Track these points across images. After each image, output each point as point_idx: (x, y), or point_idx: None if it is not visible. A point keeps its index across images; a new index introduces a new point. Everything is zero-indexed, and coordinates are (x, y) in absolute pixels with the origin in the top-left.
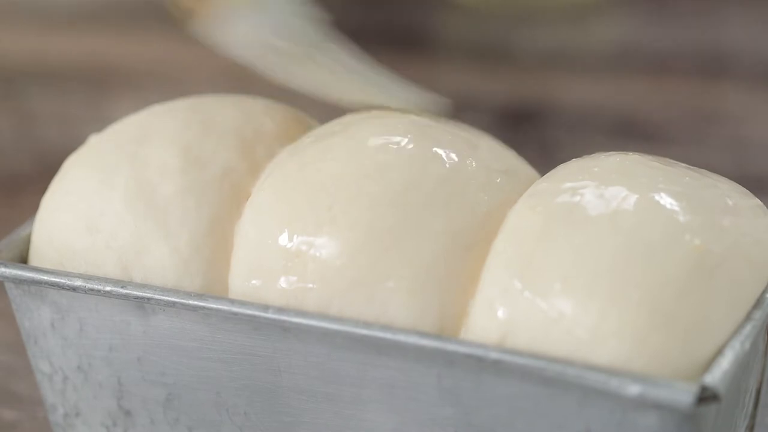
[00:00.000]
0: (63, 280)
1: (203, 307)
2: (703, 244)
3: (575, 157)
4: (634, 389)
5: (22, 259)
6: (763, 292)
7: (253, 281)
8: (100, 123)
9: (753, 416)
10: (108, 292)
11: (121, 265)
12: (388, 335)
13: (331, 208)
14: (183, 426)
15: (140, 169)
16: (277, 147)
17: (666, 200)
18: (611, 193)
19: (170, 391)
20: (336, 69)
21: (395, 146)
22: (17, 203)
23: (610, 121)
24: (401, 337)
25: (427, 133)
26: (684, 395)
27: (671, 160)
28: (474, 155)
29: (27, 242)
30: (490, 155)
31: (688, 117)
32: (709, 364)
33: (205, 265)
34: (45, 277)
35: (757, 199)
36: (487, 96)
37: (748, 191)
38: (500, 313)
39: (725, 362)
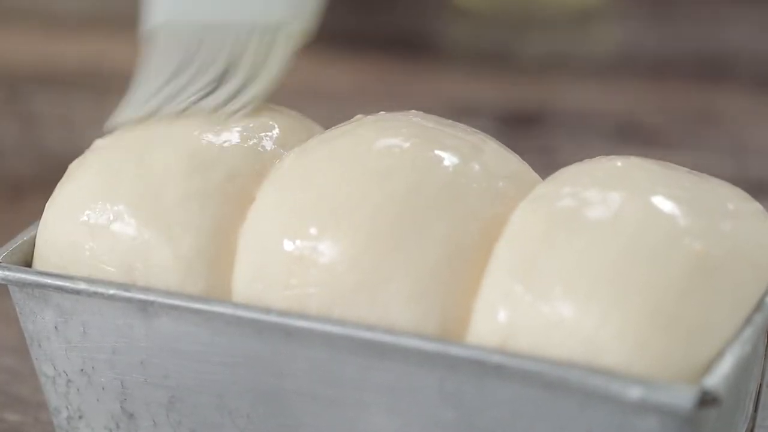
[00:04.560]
0: (67, 284)
1: (206, 311)
2: (704, 248)
3: (576, 161)
4: (634, 393)
5: (26, 263)
6: (764, 296)
7: (257, 285)
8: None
9: (753, 419)
10: (111, 295)
11: (125, 269)
12: (390, 339)
13: (334, 212)
14: (185, 429)
15: (144, 173)
16: (281, 151)
17: (667, 204)
18: (612, 197)
19: (173, 394)
20: None
21: (399, 150)
22: (21, 207)
23: (611, 125)
24: (403, 341)
25: (432, 136)
26: (684, 399)
27: (672, 164)
28: (478, 159)
29: (31, 246)
30: (493, 159)
31: (689, 121)
32: (709, 368)
33: (208, 269)
34: (49, 281)
35: (757, 203)
36: (488, 100)
37: (748, 195)
38: (502, 317)
39: (726, 366)
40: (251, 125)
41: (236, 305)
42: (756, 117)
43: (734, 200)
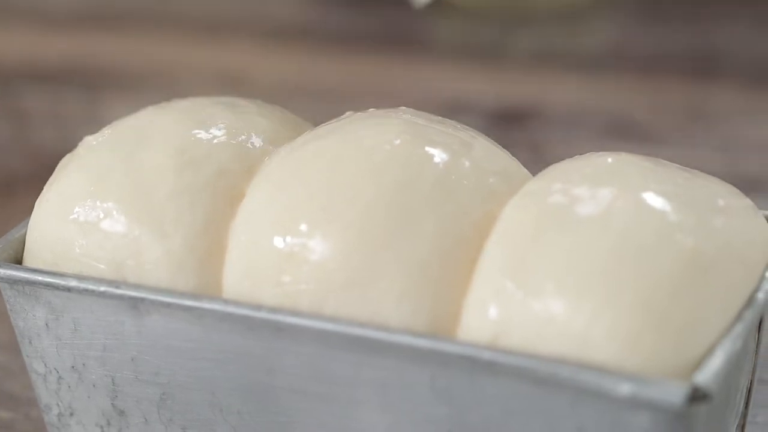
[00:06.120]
0: (57, 281)
1: (197, 308)
2: (695, 245)
3: (567, 158)
4: (625, 389)
5: (17, 260)
6: (754, 292)
7: (247, 282)
8: (95, 124)
9: (744, 415)
10: (102, 292)
11: (115, 265)
12: (382, 335)
13: (325, 209)
14: (177, 426)
15: (134, 170)
16: (271, 148)
17: (658, 200)
18: (603, 194)
19: (164, 391)
20: None
21: (389, 147)
22: (11, 204)
23: (602, 121)
24: (394, 337)
25: (422, 133)
26: (675, 395)
27: (663, 161)
28: (468, 156)
29: (21, 243)
30: (483, 156)
31: (680, 117)
32: (700, 364)
33: (199, 266)
34: (39, 278)
35: (748, 199)
36: (479, 97)
37: (739, 191)
38: (493, 314)
39: (716, 362)
40: (241, 122)
41: (227, 302)
42: (747, 114)
43: (725, 196)
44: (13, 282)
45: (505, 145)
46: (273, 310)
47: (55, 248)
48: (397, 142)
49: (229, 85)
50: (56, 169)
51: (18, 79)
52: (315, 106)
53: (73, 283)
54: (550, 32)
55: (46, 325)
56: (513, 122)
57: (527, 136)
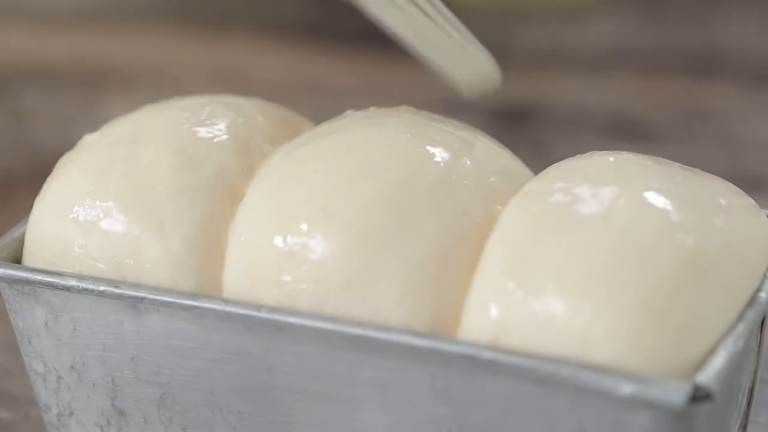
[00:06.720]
0: (57, 280)
1: (197, 307)
2: (696, 244)
3: (568, 157)
4: (627, 388)
5: (16, 260)
6: (756, 291)
7: (247, 281)
8: (94, 123)
9: (746, 415)
10: (102, 292)
11: (115, 265)
12: (382, 335)
13: (325, 208)
14: (177, 425)
15: (134, 169)
16: (271, 147)
17: (659, 199)
18: (604, 193)
19: (164, 391)
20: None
21: (390, 146)
22: (11, 203)
23: (603, 120)
24: (395, 337)
25: (423, 132)
26: (677, 394)
27: (664, 160)
28: (469, 155)
29: (21, 242)
30: (484, 155)
31: (681, 116)
32: (702, 364)
33: (198, 265)
34: (39, 277)
35: (750, 198)
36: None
37: (741, 190)
38: (493, 313)
39: (718, 361)
40: (240, 121)
41: (227, 301)
42: (748, 112)
43: (726, 195)
44: (13, 281)
45: (507, 144)
46: (273, 309)
47: (54, 247)
48: (398, 141)
49: (228, 83)
50: (55, 168)
51: (17, 78)
52: (315, 105)
53: (72, 282)
54: (551, 31)
55: (46, 324)
56: (514, 121)
57: (529, 134)
